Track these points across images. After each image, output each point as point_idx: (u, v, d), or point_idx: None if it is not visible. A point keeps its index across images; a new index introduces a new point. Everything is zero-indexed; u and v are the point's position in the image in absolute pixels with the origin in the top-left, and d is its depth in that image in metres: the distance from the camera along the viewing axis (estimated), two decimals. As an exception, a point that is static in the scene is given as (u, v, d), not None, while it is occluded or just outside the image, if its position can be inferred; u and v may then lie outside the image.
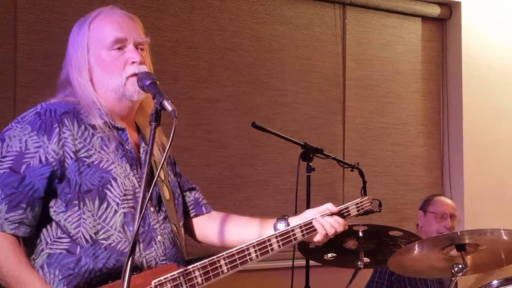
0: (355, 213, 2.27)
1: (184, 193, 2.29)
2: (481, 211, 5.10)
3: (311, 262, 3.44)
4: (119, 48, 2.02)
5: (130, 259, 1.65)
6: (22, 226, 1.87)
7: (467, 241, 2.77)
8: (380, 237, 2.98)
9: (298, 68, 4.71)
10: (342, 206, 2.23)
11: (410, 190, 5.10)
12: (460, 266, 2.77)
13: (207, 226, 2.29)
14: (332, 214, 2.17)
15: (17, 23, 3.75)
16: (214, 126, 4.37)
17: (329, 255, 3.03)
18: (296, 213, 3.39)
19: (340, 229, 2.16)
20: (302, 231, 2.13)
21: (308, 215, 2.18)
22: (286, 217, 2.18)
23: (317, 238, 2.16)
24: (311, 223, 2.15)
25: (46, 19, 3.83)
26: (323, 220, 2.15)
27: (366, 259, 2.95)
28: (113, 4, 2.14)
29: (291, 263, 3.51)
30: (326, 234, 2.15)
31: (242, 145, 4.45)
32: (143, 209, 1.69)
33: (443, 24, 5.38)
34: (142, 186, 1.72)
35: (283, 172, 4.55)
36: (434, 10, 5.24)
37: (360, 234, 2.91)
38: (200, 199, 2.33)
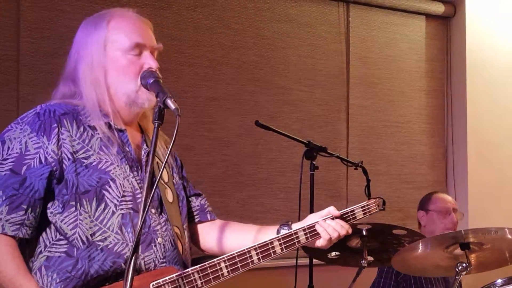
0: (361, 217, 2.21)
1: (190, 198, 2.26)
2: (485, 209, 5.09)
3: (315, 261, 3.43)
4: (136, 53, 2.01)
5: (132, 260, 1.64)
6: (23, 228, 1.86)
7: (471, 239, 2.77)
8: (384, 236, 2.97)
9: (302, 66, 4.71)
10: (347, 209, 2.18)
11: (414, 189, 5.09)
12: (464, 264, 2.77)
13: (209, 234, 2.25)
14: (334, 217, 2.13)
15: (20, 22, 3.75)
16: (217, 125, 4.37)
17: (333, 253, 3.02)
18: (299, 211, 3.41)
19: (343, 232, 2.11)
20: (305, 234, 2.09)
21: (310, 219, 2.14)
22: (290, 223, 2.13)
23: (321, 242, 2.11)
24: (314, 226, 2.11)
25: (49, 18, 3.82)
26: (325, 224, 2.10)
27: (369, 258, 2.95)
28: (127, 7, 2.13)
29: (295, 261, 3.51)
30: (330, 238, 2.10)
31: (246, 144, 4.45)
32: (146, 210, 1.68)
33: (447, 22, 5.37)
34: (145, 186, 1.71)
35: (287, 170, 4.55)
36: (438, 8, 5.23)
37: (364, 232, 2.90)
38: (205, 206, 2.29)
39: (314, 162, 3.44)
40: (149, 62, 2.01)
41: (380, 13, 5.05)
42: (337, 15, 4.87)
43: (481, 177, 5.19)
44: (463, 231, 2.74)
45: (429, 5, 5.20)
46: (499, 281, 2.95)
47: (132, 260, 1.65)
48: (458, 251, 2.81)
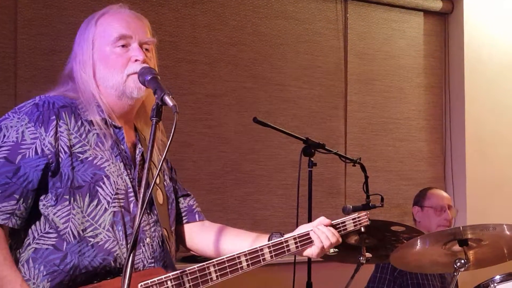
0: (351, 229, 2.23)
1: (178, 199, 2.25)
2: (484, 206, 5.09)
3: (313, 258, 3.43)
4: (123, 46, 2.00)
5: (130, 256, 1.64)
6: (13, 217, 1.85)
7: (469, 236, 2.77)
8: (382, 232, 2.97)
9: (300, 63, 4.70)
10: (338, 221, 2.20)
11: (412, 185, 5.08)
12: (462, 261, 2.77)
13: (199, 235, 2.24)
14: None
15: (18, 18, 3.74)
16: (215, 121, 4.37)
17: (331, 250, 3.01)
18: (298, 207, 3.41)
19: (334, 240, 2.12)
20: (296, 242, 2.09)
21: (301, 229, 2.14)
22: (282, 233, 2.12)
23: (313, 250, 2.12)
24: (305, 235, 2.11)
25: (46, 14, 3.82)
26: (319, 231, 2.11)
27: (368, 255, 2.94)
28: (121, 3, 2.12)
29: (293, 258, 3.51)
30: (322, 246, 2.11)
31: (244, 140, 4.45)
32: (144, 205, 1.67)
33: (445, 19, 5.37)
34: (144, 182, 1.70)
35: (285, 167, 4.54)
36: (436, 4, 5.22)
37: (362, 229, 2.89)
38: (193, 206, 2.28)
39: (312, 159, 3.43)
40: (136, 54, 1.99)
41: (378, 9, 5.04)
42: (335, 12, 4.86)
43: (480, 173, 5.19)
44: (461, 228, 2.74)
45: (427, 2, 5.19)
46: (497, 277, 2.95)
47: (130, 258, 1.64)
48: (457, 247, 2.81)
